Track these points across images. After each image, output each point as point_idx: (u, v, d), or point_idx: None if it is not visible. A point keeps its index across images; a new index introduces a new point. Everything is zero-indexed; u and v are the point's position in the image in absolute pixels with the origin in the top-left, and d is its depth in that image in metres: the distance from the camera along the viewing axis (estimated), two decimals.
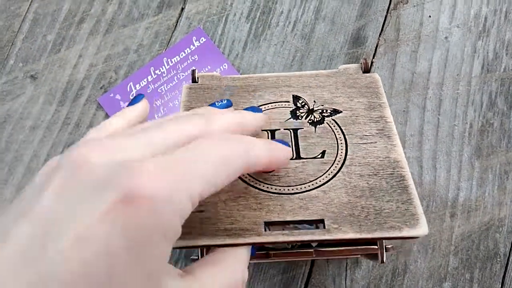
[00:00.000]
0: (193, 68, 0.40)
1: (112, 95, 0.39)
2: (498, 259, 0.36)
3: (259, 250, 0.28)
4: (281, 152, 0.21)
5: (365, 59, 0.31)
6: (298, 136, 0.26)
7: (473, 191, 0.37)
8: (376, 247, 0.28)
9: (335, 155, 0.25)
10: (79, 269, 0.12)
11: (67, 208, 0.13)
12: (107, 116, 0.39)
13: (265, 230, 0.22)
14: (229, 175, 0.17)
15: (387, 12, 0.40)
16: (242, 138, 0.19)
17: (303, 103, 0.28)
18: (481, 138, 0.38)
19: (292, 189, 0.23)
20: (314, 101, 0.28)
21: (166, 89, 0.39)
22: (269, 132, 0.26)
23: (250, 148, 0.18)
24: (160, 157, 0.15)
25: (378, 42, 0.40)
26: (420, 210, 0.22)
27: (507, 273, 0.36)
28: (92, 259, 0.12)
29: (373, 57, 0.40)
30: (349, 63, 0.38)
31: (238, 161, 0.17)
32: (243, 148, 0.18)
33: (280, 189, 0.23)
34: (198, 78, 0.31)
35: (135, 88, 0.39)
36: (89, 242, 0.12)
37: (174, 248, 0.16)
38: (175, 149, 0.16)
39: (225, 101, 0.24)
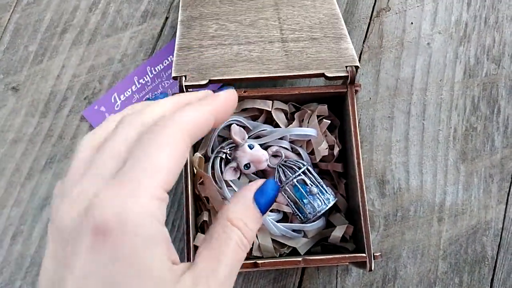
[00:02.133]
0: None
1: (96, 107, 0.39)
2: (486, 262, 0.37)
3: (245, 260, 0.27)
4: (222, 102, 0.19)
5: (351, 68, 0.32)
6: None
7: (459, 195, 0.38)
8: (364, 255, 0.28)
9: None
10: None
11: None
12: (91, 127, 0.38)
13: None
14: (177, 156, 0.17)
15: (370, 20, 0.41)
16: (173, 116, 0.17)
17: None
18: (466, 142, 0.39)
19: None
20: None
21: (151, 98, 0.39)
22: None
23: (183, 121, 0.17)
24: (110, 181, 0.16)
25: (362, 49, 0.40)
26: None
27: (495, 276, 0.36)
28: None
29: None
30: None
31: (180, 143, 0.17)
32: (177, 127, 0.17)
33: None
34: (185, 87, 0.31)
35: (120, 99, 0.39)
36: (88, 280, 0.15)
37: None
38: (123, 163, 0.17)
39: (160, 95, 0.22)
